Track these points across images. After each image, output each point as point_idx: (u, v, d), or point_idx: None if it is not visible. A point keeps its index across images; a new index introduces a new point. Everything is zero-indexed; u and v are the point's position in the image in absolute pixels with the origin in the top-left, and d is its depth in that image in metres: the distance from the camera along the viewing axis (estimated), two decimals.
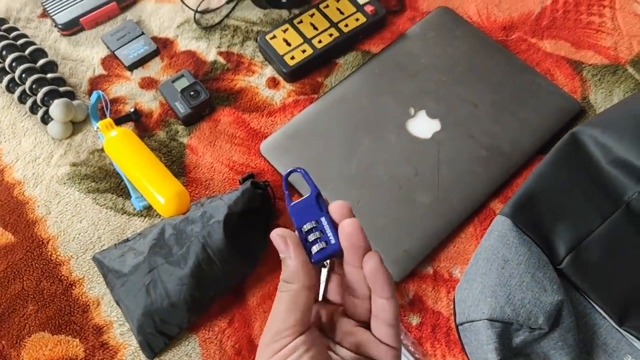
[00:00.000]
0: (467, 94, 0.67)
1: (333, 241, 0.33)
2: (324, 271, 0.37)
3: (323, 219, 0.34)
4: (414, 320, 0.56)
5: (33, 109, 0.67)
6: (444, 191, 0.61)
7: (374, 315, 0.35)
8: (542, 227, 0.55)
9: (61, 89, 0.66)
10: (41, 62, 0.68)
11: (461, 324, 0.53)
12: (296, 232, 0.34)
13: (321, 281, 0.36)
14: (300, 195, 0.62)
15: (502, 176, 0.63)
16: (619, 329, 0.51)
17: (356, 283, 0.34)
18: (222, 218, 0.56)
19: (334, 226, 0.34)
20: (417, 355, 0.54)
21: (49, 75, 0.67)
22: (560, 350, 0.49)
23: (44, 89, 0.65)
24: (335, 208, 0.34)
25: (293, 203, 0.35)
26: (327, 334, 0.36)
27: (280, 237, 0.33)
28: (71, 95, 0.68)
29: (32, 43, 0.70)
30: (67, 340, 0.56)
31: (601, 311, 0.52)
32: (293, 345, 0.32)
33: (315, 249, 0.34)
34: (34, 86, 0.65)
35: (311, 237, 0.34)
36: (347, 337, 0.35)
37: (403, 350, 0.54)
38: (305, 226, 0.34)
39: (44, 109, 0.66)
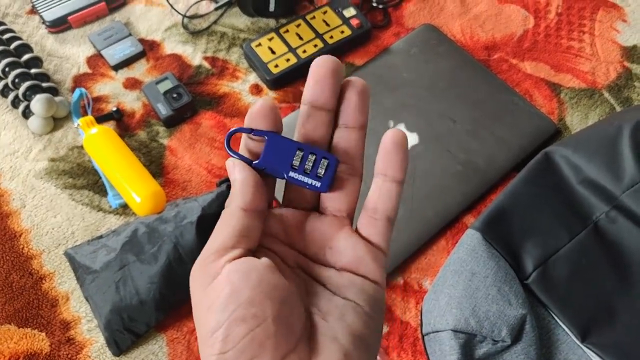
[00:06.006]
0: (446, 110, 0.68)
1: (329, 156, 0.29)
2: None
3: (303, 146, 0.29)
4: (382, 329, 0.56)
5: (14, 103, 0.67)
6: (418, 204, 0.62)
7: (370, 208, 0.30)
8: (511, 242, 0.55)
9: (44, 84, 0.67)
10: (26, 57, 0.68)
11: (427, 334, 0.53)
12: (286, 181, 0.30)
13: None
14: (277, 201, 0.62)
15: (477, 191, 0.64)
16: (580, 345, 0.52)
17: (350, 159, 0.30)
18: (195, 219, 0.56)
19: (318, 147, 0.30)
20: None
21: (33, 71, 0.68)
22: None
23: (27, 84, 0.65)
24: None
25: (257, 161, 0.29)
26: (300, 249, 0.30)
27: (231, 163, 0.29)
28: (54, 91, 0.68)
29: (18, 38, 0.71)
30: (33, 334, 0.56)
31: (564, 327, 0.53)
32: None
33: (321, 172, 0.29)
34: (16, 80, 0.66)
35: (308, 165, 0.29)
36: (325, 248, 0.30)
37: None
38: (293, 161, 0.29)
39: (25, 103, 0.66)
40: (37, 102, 0.64)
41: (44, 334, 0.56)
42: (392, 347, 0.56)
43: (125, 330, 0.55)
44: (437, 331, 0.52)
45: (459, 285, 0.53)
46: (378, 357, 0.55)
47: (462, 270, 0.54)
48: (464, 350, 0.50)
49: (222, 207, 0.60)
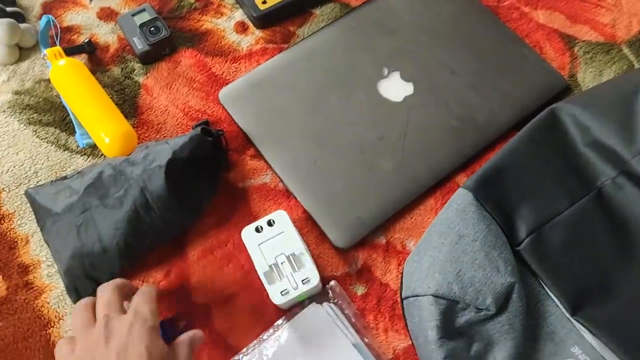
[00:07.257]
0: (447, 59, 0.62)
1: None
2: None
3: None
4: (360, 290, 0.53)
5: None
6: (408, 159, 0.57)
7: None
8: (505, 205, 0.51)
9: (8, 9, 0.62)
10: None
11: (406, 298, 0.50)
12: None
13: None
14: (256, 149, 0.58)
15: (472, 149, 0.59)
16: (570, 318, 0.48)
17: None
18: (164, 162, 0.52)
19: None
20: (357, 326, 0.51)
21: None
22: (505, 335, 0.46)
23: None
24: None
25: None
26: None
27: None
28: (19, 17, 0.63)
29: None
30: None
31: (554, 298, 0.49)
32: None
33: None
34: None
35: None
36: None
37: (344, 320, 0.51)
38: None
39: None
40: None
41: (0, 276, 0.53)
42: (369, 309, 0.52)
43: (86, 277, 0.52)
44: (417, 295, 0.48)
45: (444, 247, 0.49)
46: (353, 319, 0.52)
47: (449, 232, 0.49)
48: (444, 317, 0.46)
49: (195, 152, 0.55)
